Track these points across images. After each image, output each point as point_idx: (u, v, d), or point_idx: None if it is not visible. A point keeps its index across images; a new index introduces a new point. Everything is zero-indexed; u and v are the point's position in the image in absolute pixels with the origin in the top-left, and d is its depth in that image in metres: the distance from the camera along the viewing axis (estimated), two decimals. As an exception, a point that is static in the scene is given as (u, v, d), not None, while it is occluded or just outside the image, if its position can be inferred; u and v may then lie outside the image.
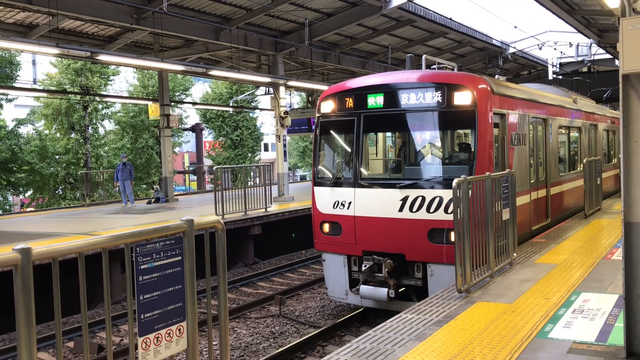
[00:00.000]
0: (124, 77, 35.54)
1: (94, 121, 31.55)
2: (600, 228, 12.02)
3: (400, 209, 9.03)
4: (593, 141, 16.87)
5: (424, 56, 10.71)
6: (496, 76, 11.86)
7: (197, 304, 3.50)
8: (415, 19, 21.27)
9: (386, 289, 9.09)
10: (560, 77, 28.42)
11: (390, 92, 9.46)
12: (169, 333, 3.25)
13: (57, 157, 29.77)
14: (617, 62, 24.70)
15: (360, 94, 9.76)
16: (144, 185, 34.29)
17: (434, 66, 10.80)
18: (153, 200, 22.53)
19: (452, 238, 8.34)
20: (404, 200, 9.02)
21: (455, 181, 6.89)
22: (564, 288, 7.22)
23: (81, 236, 13.56)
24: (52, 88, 29.61)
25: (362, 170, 9.85)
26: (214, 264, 3.55)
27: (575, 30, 18.95)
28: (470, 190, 7.22)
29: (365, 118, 9.71)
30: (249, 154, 40.83)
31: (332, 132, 10.50)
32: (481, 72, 27.85)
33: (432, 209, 8.77)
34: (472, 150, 8.86)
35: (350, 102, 9.86)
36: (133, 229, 3.11)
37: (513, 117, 10.00)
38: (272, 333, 10.35)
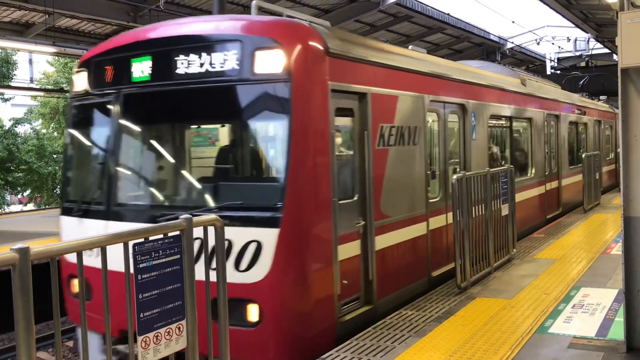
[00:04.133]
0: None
1: (92, 120, 31.50)
2: (600, 223, 12.03)
3: (197, 259, 4.93)
4: (553, 137, 13.23)
5: (253, 2, 6.26)
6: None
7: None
8: (413, 15, 21.23)
9: None
10: (558, 71, 28.42)
11: (162, 54, 5.82)
12: (169, 332, 3.24)
13: (54, 156, 29.73)
14: (615, 56, 24.71)
15: (121, 57, 6.09)
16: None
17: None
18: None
19: (254, 316, 5.15)
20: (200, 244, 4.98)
21: (454, 177, 6.88)
22: (564, 283, 7.22)
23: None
24: (49, 87, 29.54)
25: (119, 191, 6.08)
26: None
27: (573, 25, 18.93)
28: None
29: (125, 99, 6.02)
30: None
31: (85, 124, 6.66)
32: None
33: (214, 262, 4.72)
34: (285, 156, 5.28)
35: (109, 71, 6.20)
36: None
37: (384, 100, 6.47)
38: (272, 330, 10.34)
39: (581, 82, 23.29)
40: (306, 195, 5.28)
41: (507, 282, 7.38)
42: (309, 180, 5.33)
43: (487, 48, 28.89)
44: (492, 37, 27.54)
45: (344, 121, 6.07)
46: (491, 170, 7.84)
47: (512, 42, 29.19)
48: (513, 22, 30.24)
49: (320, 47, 5.53)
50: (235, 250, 5.12)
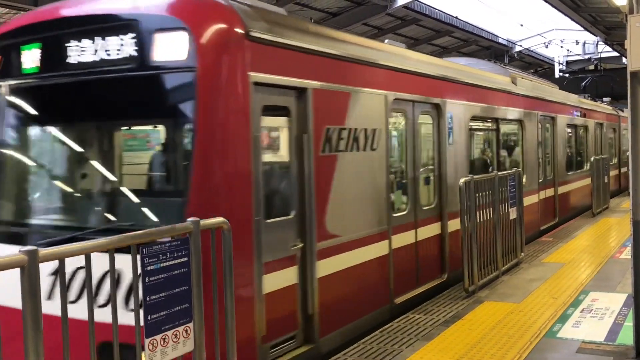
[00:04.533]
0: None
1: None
2: (609, 227, 11.96)
3: (51, 295, 4.16)
4: (549, 140, 12.36)
5: None
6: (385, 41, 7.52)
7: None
8: (421, 18, 21.25)
9: None
10: (567, 74, 28.32)
11: (52, 40, 4.88)
12: (176, 334, 3.25)
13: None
14: (624, 59, 24.62)
15: (12, 44, 5.10)
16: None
17: None
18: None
19: None
20: (56, 275, 4.13)
21: (461, 180, 6.85)
22: (572, 287, 7.18)
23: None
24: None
25: (4, 207, 5.12)
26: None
27: (582, 28, 18.86)
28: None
29: (14, 95, 5.11)
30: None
31: None
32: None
33: (102, 298, 4.00)
34: (188, 165, 4.37)
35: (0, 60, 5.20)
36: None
37: (331, 97, 5.54)
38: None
39: (584, 84, 22.66)
40: (215, 214, 3.95)
41: (515, 286, 7.34)
42: (219, 194, 4.35)
43: (495, 51, 28.85)
44: (500, 40, 27.52)
45: (276, 122, 5.11)
46: (499, 173, 7.83)
47: (521, 46, 29.13)
48: (521, 25, 30.11)
49: (239, 30, 4.50)
50: (125, 284, 4.01)
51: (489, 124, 9.73)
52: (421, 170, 7.30)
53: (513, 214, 8.15)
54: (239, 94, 4.47)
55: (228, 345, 3.60)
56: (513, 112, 10.22)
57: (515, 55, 29.38)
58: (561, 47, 29.88)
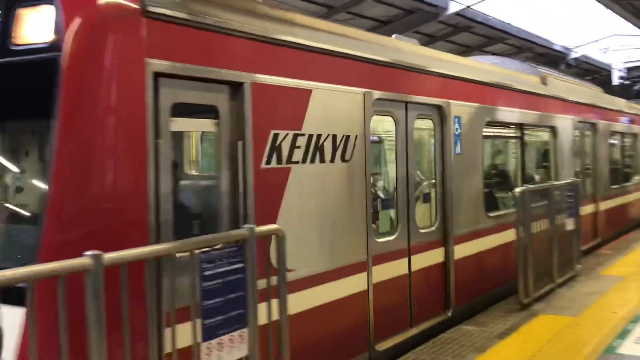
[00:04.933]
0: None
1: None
2: (671, 239, 11.51)
3: None
4: (588, 150, 11.08)
5: None
6: None
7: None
8: (474, 25, 20.99)
9: None
10: (627, 81, 27.40)
11: None
12: (231, 339, 3.31)
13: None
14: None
15: None
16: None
17: None
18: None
19: None
20: None
21: (517, 190, 6.72)
22: (633, 302, 6.94)
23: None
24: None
25: None
26: None
27: (643, 34, 18.27)
28: None
29: None
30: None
31: None
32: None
33: None
34: (46, 183, 3.35)
35: None
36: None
37: (282, 94, 4.46)
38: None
39: (637, 88, 21.08)
40: (85, 247, 2.77)
41: (572, 299, 7.15)
42: (89, 222, 3.24)
43: (550, 58, 28.20)
44: (555, 47, 26.87)
45: (195, 125, 4.19)
46: (556, 183, 7.66)
47: (577, 52, 28.39)
48: (579, 31, 29.26)
49: (129, 3, 3.48)
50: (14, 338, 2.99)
51: (511, 131, 8.39)
52: (423, 185, 6.43)
53: (570, 225, 7.95)
54: (126, 86, 3.42)
55: (281, 349, 3.64)
56: (542, 117, 8.88)
57: (572, 62, 28.63)
58: (621, 53, 29.00)
